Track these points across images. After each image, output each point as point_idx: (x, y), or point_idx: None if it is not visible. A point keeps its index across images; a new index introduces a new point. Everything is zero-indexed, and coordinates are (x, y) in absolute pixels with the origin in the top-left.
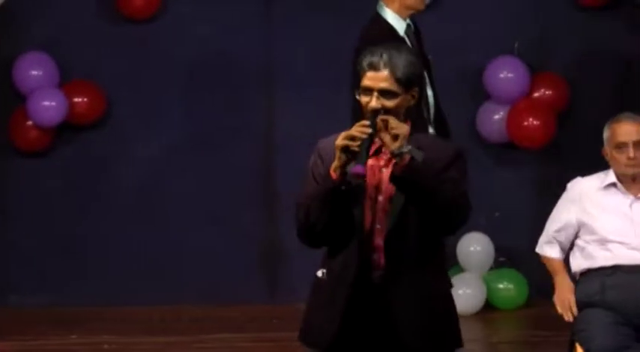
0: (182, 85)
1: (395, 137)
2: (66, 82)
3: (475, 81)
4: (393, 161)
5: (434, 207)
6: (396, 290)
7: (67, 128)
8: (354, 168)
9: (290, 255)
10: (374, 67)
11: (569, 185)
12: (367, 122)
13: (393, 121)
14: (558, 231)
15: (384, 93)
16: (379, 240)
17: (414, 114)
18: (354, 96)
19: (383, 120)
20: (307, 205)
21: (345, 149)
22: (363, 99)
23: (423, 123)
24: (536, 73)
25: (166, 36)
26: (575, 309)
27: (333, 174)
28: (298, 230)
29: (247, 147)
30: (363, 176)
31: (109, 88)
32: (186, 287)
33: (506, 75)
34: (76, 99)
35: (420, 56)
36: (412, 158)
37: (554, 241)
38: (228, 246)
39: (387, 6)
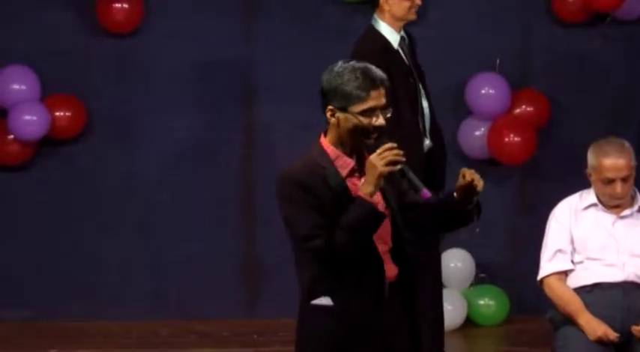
0: (162, 100)
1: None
2: (47, 96)
3: (456, 97)
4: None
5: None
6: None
7: (48, 142)
8: (423, 193)
9: (270, 270)
10: (376, 86)
11: (556, 211)
12: (394, 144)
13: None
14: (558, 251)
15: (382, 109)
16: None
17: (410, 126)
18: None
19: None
20: (343, 235)
21: (388, 175)
22: (364, 120)
23: (418, 135)
24: (516, 89)
25: (147, 51)
26: (611, 332)
27: (370, 199)
28: (327, 258)
29: (228, 162)
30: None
31: (89, 102)
32: (165, 302)
33: (487, 91)
34: (57, 113)
35: (415, 68)
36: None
37: (560, 254)
38: (208, 261)
39: (381, 19)
